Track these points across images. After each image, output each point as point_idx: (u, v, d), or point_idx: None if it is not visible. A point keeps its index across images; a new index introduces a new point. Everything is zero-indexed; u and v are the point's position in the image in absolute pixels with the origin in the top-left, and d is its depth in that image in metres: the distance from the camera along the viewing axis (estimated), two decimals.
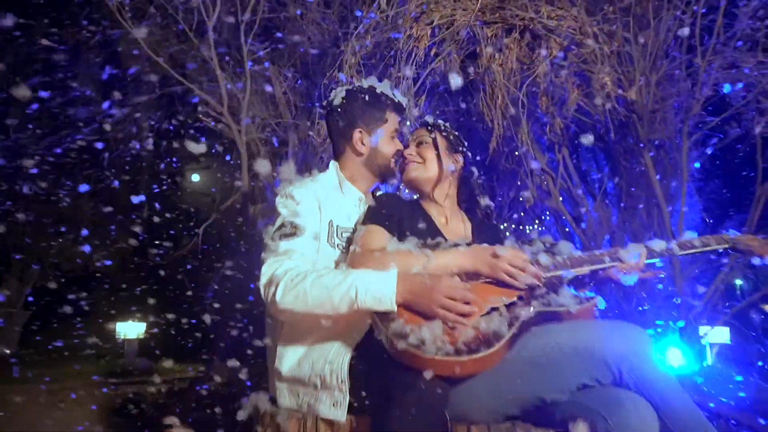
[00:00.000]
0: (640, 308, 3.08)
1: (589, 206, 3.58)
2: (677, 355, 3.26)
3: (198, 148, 1.78)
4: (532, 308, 1.49)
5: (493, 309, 1.51)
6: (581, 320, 1.50)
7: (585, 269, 1.63)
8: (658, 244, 1.66)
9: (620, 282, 1.66)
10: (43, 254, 7.41)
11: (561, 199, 3.66)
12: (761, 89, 2.44)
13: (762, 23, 2.42)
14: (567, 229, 3.82)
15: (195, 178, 7.17)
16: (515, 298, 1.54)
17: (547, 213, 4.16)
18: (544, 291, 1.54)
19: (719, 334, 5.13)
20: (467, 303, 1.47)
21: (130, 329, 6.74)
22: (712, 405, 2.79)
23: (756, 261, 1.65)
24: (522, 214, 4.16)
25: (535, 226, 4.33)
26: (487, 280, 1.60)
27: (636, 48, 2.47)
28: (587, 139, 2.67)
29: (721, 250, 1.68)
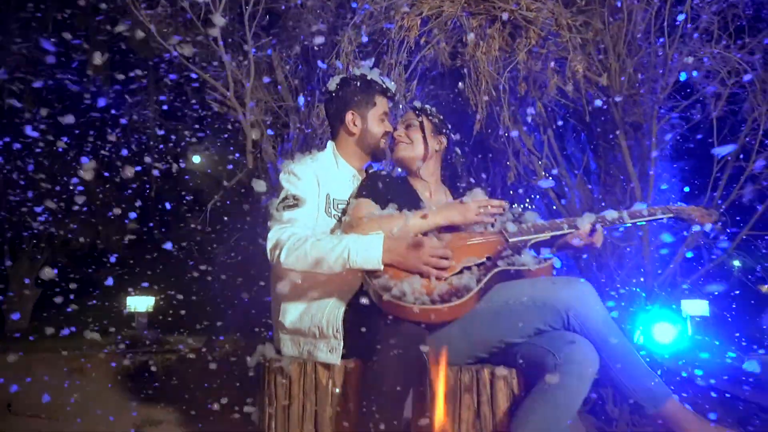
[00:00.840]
0: (617, 275, 3.33)
1: (572, 184, 3.81)
2: (662, 329, 3.49)
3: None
4: (498, 267, 1.74)
5: (465, 269, 1.77)
6: (539, 277, 1.76)
7: (546, 235, 1.88)
8: (610, 214, 1.91)
9: (575, 246, 1.92)
10: (53, 232, 7.68)
11: (551, 178, 3.89)
12: (720, 77, 2.67)
13: (717, 17, 2.65)
14: (554, 207, 4.06)
15: (196, 159, 7.36)
16: (484, 259, 1.79)
17: (536, 193, 4.39)
18: (509, 253, 1.80)
19: (698, 307, 5.34)
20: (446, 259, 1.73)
21: (140, 303, 7.00)
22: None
23: (696, 228, 1.89)
24: (511, 192, 4.39)
25: (527, 204, 4.56)
26: (461, 241, 1.86)
27: (608, 37, 2.69)
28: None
29: (665, 220, 1.92)
